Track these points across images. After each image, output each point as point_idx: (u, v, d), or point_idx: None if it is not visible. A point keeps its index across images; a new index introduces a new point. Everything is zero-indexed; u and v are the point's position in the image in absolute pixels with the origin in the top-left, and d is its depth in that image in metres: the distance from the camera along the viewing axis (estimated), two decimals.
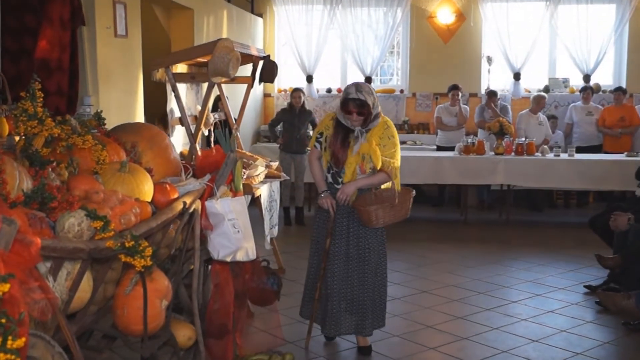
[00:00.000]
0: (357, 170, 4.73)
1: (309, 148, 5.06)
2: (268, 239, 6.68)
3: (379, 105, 4.74)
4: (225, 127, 6.81)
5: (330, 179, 4.91)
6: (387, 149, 4.72)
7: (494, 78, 12.17)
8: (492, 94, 10.89)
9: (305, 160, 9.44)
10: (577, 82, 12.05)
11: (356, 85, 4.69)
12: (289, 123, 9.49)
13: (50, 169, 3.01)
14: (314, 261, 5.00)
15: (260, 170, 6.17)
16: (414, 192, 4.87)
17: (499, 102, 10.94)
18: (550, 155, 9.72)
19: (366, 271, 4.83)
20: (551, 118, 11.12)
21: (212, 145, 6.38)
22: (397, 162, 4.79)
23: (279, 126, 9.83)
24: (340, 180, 4.81)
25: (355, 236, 4.82)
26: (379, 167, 4.70)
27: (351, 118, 4.64)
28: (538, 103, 10.67)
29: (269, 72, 7.09)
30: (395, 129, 4.86)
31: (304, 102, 9.67)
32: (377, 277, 4.91)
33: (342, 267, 4.82)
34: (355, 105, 4.58)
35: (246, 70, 7.63)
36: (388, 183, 4.89)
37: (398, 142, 4.82)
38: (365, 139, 4.66)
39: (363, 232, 4.82)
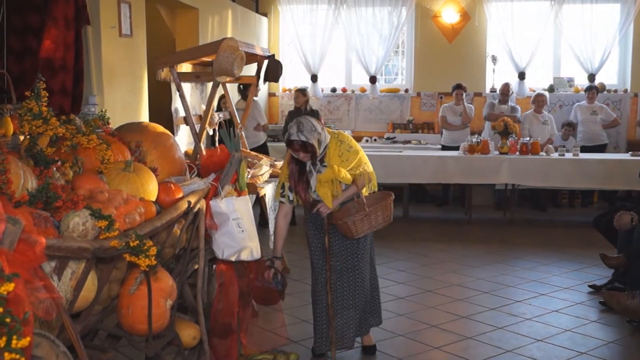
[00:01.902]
0: (334, 193, 4.58)
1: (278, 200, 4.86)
2: (272, 238, 6.67)
3: (326, 136, 4.56)
4: (229, 126, 6.81)
5: (315, 197, 4.70)
6: (350, 161, 4.56)
7: (499, 77, 12.16)
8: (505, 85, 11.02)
9: None
10: (581, 81, 12.04)
11: (298, 124, 4.46)
12: None
13: (54, 169, 3.02)
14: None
15: (265, 170, 6.17)
16: (392, 196, 4.71)
17: (509, 102, 10.93)
18: (555, 155, 9.71)
19: (363, 280, 4.73)
20: (566, 125, 11.05)
21: (217, 144, 6.39)
22: (368, 167, 4.68)
23: None
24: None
25: (342, 247, 4.71)
26: (349, 183, 4.57)
27: (299, 156, 4.49)
28: (537, 102, 10.65)
29: (274, 71, 7.09)
30: (349, 137, 4.68)
31: (308, 101, 9.64)
32: (371, 281, 4.88)
33: (324, 281, 4.70)
34: (299, 146, 4.42)
35: (251, 69, 7.63)
36: (369, 189, 4.75)
37: (359, 148, 4.67)
38: (326, 165, 4.53)
39: (350, 242, 4.70)
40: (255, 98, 10.21)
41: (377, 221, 4.58)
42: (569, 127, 10.98)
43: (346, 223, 4.47)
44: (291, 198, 4.74)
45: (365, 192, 4.74)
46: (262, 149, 9.49)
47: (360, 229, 4.50)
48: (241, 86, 9.68)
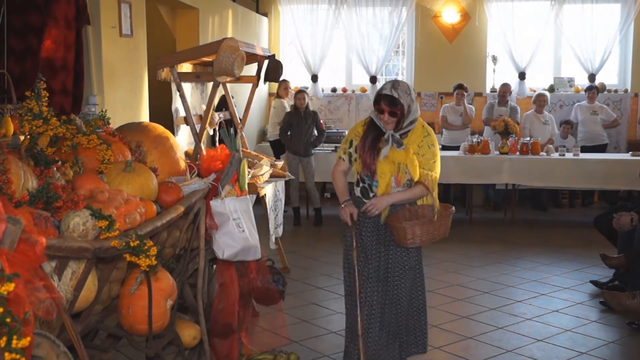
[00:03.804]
0: (392, 182, 4.13)
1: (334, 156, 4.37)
2: (273, 238, 6.68)
3: (417, 110, 4.12)
4: (230, 126, 6.82)
5: (358, 193, 4.27)
6: (427, 159, 4.11)
7: (499, 77, 12.16)
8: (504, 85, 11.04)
9: (313, 162, 9.46)
10: (582, 81, 12.03)
11: (393, 82, 4.10)
12: (297, 125, 9.43)
13: (55, 169, 3.02)
14: (349, 285, 4.35)
15: (265, 170, 6.18)
16: (453, 208, 4.25)
17: (508, 103, 10.92)
18: (555, 155, 9.71)
19: (399, 295, 4.26)
20: (564, 123, 11.05)
21: (217, 144, 6.39)
22: (437, 175, 4.18)
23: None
24: (371, 195, 4.19)
25: (385, 257, 4.27)
26: (416, 179, 4.11)
27: (383, 118, 4.08)
28: (538, 102, 10.66)
29: (274, 71, 7.10)
30: (435, 137, 4.23)
31: (308, 103, 9.65)
32: (412, 301, 4.36)
33: (379, 291, 4.25)
34: (387, 102, 4.02)
35: (251, 69, 7.63)
36: (424, 198, 4.28)
37: (438, 153, 4.20)
38: (403, 145, 4.07)
39: (394, 252, 4.27)
40: (283, 99, 10.66)
41: (437, 233, 4.14)
42: (567, 125, 10.98)
43: (404, 228, 4.02)
44: (353, 158, 4.27)
45: (422, 201, 4.32)
46: (280, 143, 9.95)
47: (418, 237, 4.07)
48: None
